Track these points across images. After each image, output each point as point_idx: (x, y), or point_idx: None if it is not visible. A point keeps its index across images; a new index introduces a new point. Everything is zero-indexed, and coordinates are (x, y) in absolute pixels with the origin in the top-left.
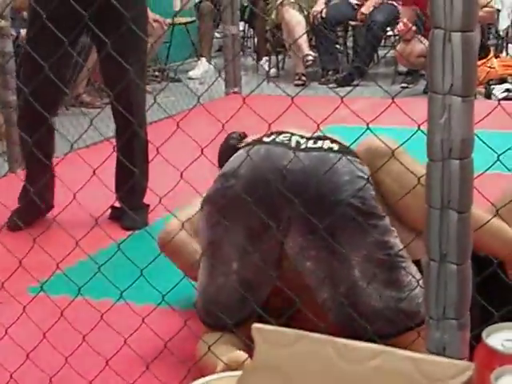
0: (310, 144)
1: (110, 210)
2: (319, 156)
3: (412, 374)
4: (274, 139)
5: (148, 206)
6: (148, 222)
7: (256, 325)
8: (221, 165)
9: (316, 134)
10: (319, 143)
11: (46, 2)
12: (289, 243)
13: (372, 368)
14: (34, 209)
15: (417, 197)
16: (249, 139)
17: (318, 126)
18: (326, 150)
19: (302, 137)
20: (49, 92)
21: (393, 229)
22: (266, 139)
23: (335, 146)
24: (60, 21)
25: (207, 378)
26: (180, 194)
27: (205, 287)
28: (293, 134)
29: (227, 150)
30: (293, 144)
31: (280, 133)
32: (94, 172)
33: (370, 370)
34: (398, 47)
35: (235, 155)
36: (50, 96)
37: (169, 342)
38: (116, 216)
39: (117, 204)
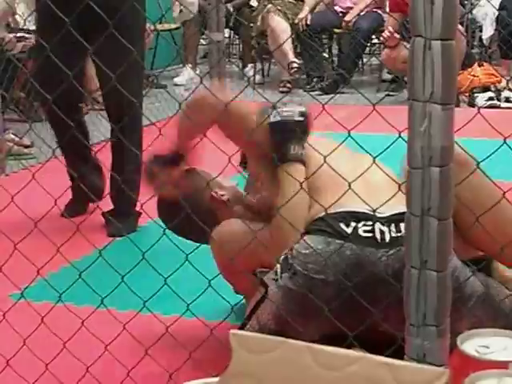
0: (394, 232)
1: (95, 216)
2: None
3: (388, 381)
4: (356, 232)
5: (140, 213)
6: (135, 229)
7: (233, 331)
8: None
9: (396, 211)
10: (402, 228)
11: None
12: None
13: (349, 374)
14: (84, 197)
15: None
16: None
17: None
18: None
19: (382, 222)
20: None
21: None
22: (345, 229)
23: None
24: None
25: None
26: None
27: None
28: (374, 221)
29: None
30: (378, 236)
31: (358, 218)
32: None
33: (346, 377)
34: (384, 52)
35: (312, 248)
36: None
37: (150, 348)
38: (106, 221)
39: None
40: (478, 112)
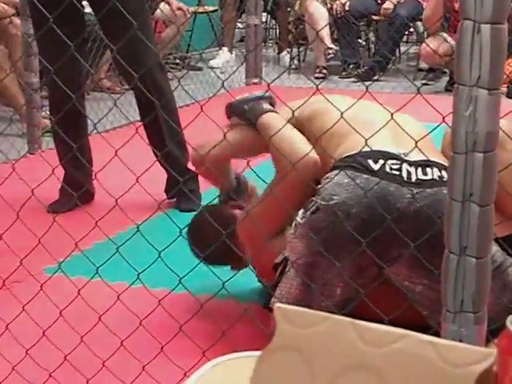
0: (421, 174)
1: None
2: (433, 195)
3: (433, 359)
4: (384, 168)
5: (196, 174)
6: (200, 196)
7: (278, 304)
8: (229, 114)
9: (424, 158)
10: (429, 172)
11: None
12: (392, 271)
13: (393, 351)
14: (73, 198)
15: None
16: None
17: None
18: (437, 182)
19: (410, 164)
20: (67, 67)
21: None
22: (373, 165)
23: (444, 174)
24: None
25: (224, 358)
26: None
27: (300, 301)
28: (402, 161)
29: (243, 106)
30: (404, 175)
31: (386, 156)
32: (115, 153)
33: (390, 354)
34: (422, 48)
35: (338, 182)
36: (68, 72)
37: (184, 325)
38: (172, 197)
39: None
40: None
